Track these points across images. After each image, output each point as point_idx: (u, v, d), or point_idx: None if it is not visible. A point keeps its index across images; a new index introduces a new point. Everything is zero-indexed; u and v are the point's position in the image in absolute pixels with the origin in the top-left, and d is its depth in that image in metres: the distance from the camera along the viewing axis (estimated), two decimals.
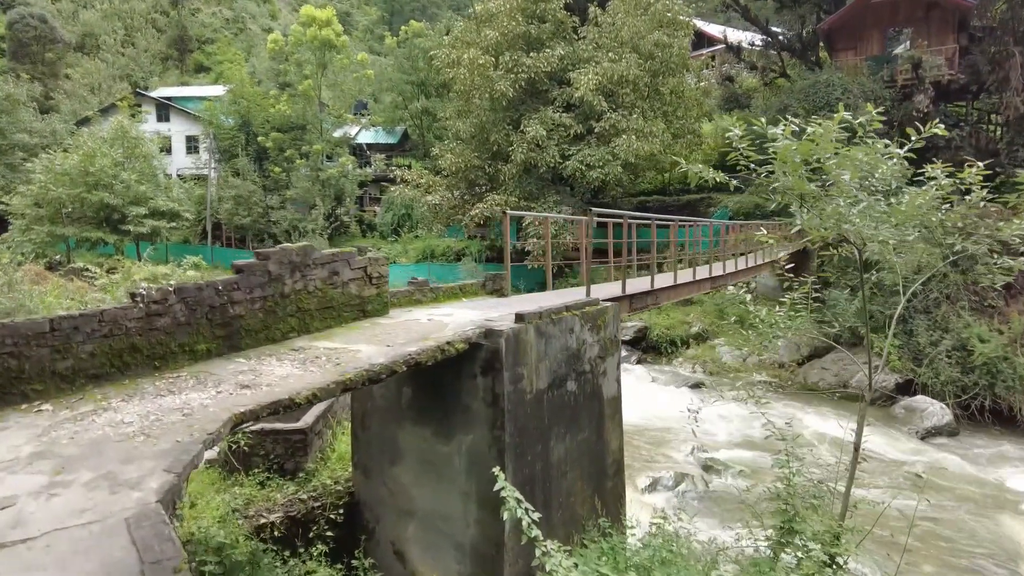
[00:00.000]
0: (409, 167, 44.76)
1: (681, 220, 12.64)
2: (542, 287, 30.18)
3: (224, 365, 4.47)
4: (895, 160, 5.38)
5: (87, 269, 16.12)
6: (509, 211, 8.38)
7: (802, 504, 5.46)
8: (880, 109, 20.50)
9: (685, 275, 11.28)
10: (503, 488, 4.10)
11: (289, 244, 5.19)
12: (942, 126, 5.31)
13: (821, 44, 28.44)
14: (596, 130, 25.69)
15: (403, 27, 46.64)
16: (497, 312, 6.18)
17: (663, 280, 9.44)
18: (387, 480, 6.12)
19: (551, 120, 25.59)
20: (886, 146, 5.46)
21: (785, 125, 5.49)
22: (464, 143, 28.79)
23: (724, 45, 32.05)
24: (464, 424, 5.38)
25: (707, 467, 13.83)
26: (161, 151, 33.56)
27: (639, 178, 30.26)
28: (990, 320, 18.52)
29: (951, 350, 17.75)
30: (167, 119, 41.51)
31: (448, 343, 4.84)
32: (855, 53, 25.25)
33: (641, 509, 9.26)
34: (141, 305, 4.17)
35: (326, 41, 33.92)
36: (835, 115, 5.29)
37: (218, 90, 41.98)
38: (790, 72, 28.38)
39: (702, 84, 29.05)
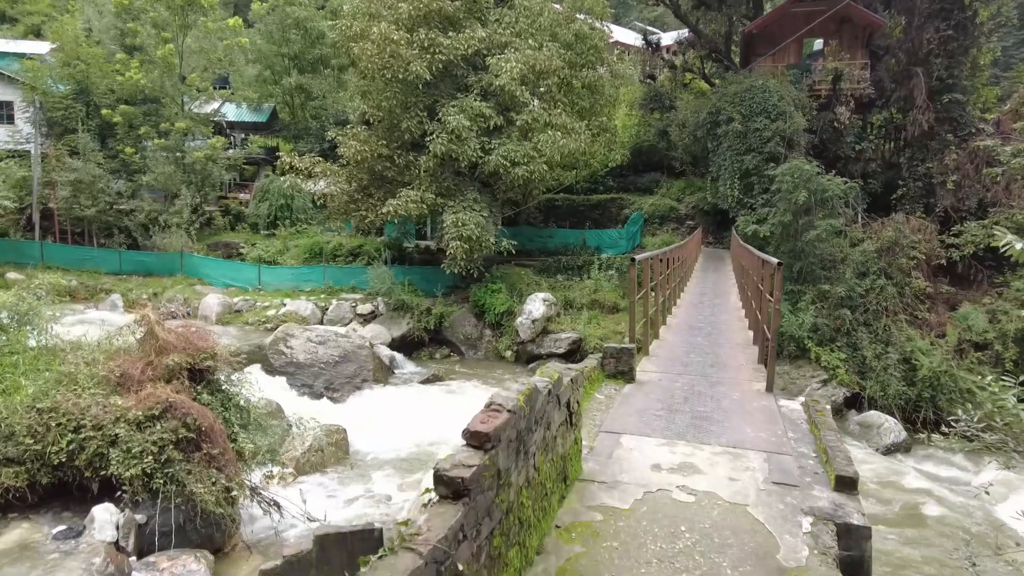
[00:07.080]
0: (277, 148, 39.63)
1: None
2: (454, 290, 27.42)
3: None
4: None
5: None
6: (637, 258, 6.05)
7: None
8: (806, 118, 19.83)
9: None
10: None
11: (507, 395, 2.58)
12: None
13: (735, 48, 28.47)
14: (517, 123, 23.60)
15: None
16: (758, 455, 3.93)
17: None
18: None
19: (472, 109, 23.02)
20: None
21: None
22: (370, 128, 25.37)
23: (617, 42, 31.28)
24: None
25: None
26: None
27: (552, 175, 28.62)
28: (922, 331, 19.10)
29: (896, 363, 17.98)
30: None
31: None
32: (773, 60, 25.40)
33: None
34: None
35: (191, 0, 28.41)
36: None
37: (40, 47, 34.00)
38: (708, 74, 28.15)
39: (616, 81, 27.96)
